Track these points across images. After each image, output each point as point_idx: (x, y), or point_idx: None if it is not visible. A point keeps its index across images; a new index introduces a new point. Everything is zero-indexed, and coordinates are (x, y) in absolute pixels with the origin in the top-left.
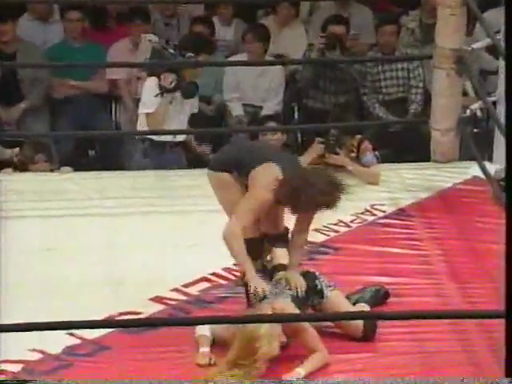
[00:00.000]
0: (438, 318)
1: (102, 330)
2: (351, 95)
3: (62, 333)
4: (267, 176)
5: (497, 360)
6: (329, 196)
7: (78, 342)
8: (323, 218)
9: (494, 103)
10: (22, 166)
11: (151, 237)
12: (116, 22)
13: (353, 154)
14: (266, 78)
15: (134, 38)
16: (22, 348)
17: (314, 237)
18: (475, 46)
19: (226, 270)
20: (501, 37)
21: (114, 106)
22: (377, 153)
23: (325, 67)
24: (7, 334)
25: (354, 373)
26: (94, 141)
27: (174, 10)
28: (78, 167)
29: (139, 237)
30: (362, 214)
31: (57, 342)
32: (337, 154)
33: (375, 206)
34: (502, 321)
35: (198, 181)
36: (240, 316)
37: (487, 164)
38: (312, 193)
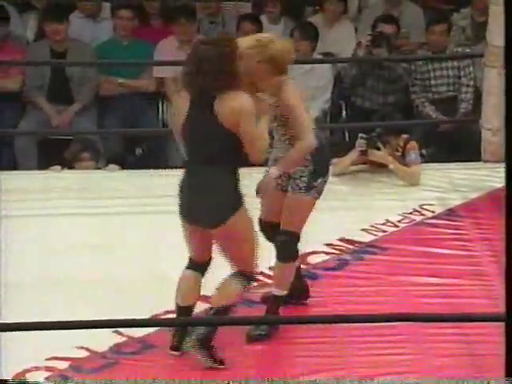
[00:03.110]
0: (440, 321)
1: (147, 328)
2: (400, 94)
3: (108, 331)
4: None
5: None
6: None
7: (124, 340)
8: (371, 218)
9: None
10: (69, 164)
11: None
12: (161, 20)
13: (398, 153)
14: (314, 77)
15: (180, 35)
16: (70, 345)
17: (362, 236)
18: None
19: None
20: None
21: (161, 104)
22: (423, 151)
23: (372, 66)
24: (55, 331)
25: (399, 375)
26: (140, 139)
27: (218, 8)
28: (125, 165)
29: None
30: (411, 214)
31: (104, 340)
32: (379, 150)
33: (424, 206)
34: None
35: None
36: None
37: None
38: None
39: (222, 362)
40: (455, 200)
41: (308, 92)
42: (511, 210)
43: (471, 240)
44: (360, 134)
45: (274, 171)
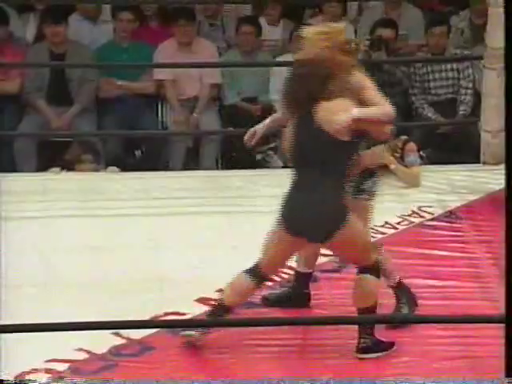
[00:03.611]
0: (439, 323)
1: (147, 330)
2: (399, 97)
3: (107, 333)
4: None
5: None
6: None
7: (123, 342)
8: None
9: None
10: (69, 166)
11: (195, 237)
12: (161, 22)
13: (397, 155)
14: None
15: (180, 37)
16: (69, 347)
17: None
18: None
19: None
20: None
21: (160, 106)
22: (422, 153)
23: (372, 69)
24: (54, 333)
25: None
26: (140, 141)
27: (218, 11)
28: (124, 167)
29: (183, 237)
30: (409, 216)
31: (103, 341)
32: None
33: (423, 208)
34: None
35: (244, 181)
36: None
37: None
38: None
39: None
40: (454, 202)
41: None
42: (511, 211)
43: (470, 242)
44: None
45: (355, 111)
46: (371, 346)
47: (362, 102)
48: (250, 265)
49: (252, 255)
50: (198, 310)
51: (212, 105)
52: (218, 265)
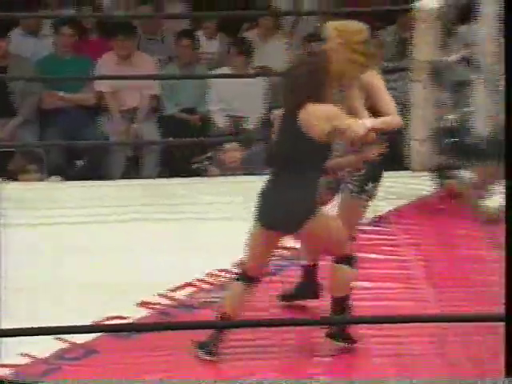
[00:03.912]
0: (437, 322)
1: (90, 334)
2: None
3: (50, 337)
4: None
5: (472, 364)
6: None
7: (66, 346)
8: None
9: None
10: (12, 176)
11: (137, 243)
12: (100, 36)
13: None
14: (249, 90)
15: (119, 51)
16: (12, 352)
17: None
18: (450, 58)
19: (211, 275)
20: (471, 50)
21: (101, 117)
22: None
23: None
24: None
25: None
26: (82, 151)
27: (158, 25)
28: (67, 177)
29: (125, 243)
30: None
31: (46, 346)
32: None
33: None
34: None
35: (183, 189)
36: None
37: (463, 172)
38: None
39: None
40: (385, 207)
41: (245, 103)
42: (511, 211)
43: (400, 245)
44: None
45: (367, 122)
46: (340, 334)
47: (372, 105)
48: (190, 269)
49: (192, 260)
50: (140, 314)
51: (151, 115)
52: (159, 269)
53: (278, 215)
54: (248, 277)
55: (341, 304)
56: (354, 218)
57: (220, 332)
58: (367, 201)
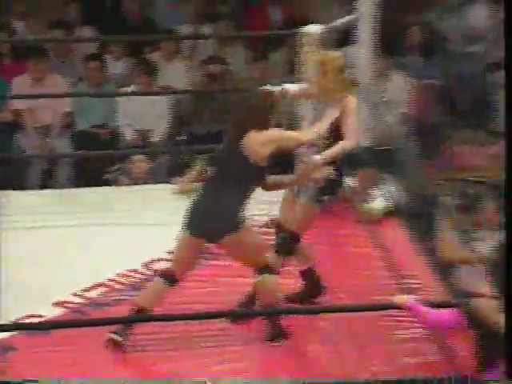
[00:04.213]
0: (324, 312)
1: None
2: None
3: None
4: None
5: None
6: None
7: None
8: None
9: None
10: None
11: (51, 248)
12: (14, 59)
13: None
14: (154, 107)
15: (32, 73)
16: None
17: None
18: None
19: (121, 275)
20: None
21: (17, 132)
22: None
23: (205, 98)
24: None
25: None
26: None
27: (68, 48)
28: None
29: (40, 248)
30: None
31: None
32: None
33: (251, 217)
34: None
35: (95, 198)
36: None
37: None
38: None
39: None
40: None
41: (150, 120)
42: (511, 211)
43: None
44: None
45: (318, 157)
46: (279, 334)
47: (338, 125)
48: (101, 271)
49: (104, 261)
50: (57, 312)
51: (65, 131)
52: (73, 271)
53: (205, 225)
54: (171, 277)
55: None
56: (306, 221)
57: (129, 325)
58: (319, 208)
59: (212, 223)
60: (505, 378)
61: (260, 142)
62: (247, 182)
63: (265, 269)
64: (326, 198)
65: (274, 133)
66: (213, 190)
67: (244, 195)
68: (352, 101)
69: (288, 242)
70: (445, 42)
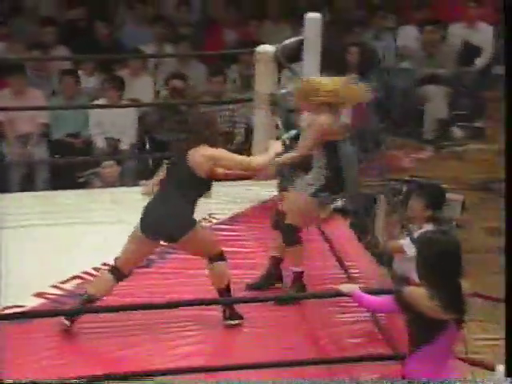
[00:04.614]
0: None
1: None
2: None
3: None
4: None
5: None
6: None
7: None
8: None
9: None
10: None
11: (32, 244)
12: None
13: None
14: (123, 117)
15: (12, 88)
16: None
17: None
18: (283, 90)
19: (95, 269)
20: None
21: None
22: None
23: (169, 110)
24: None
25: None
26: None
27: (45, 66)
28: None
29: (24, 244)
30: (201, 221)
31: None
32: None
33: (212, 215)
34: None
35: (71, 199)
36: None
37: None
38: None
39: None
40: (235, 209)
41: (118, 129)
42: (511, 212)
43: (247, 239)
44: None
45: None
46: (233, 315)
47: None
48: (78, 264)
49: (79, 256)
50: (36, 302)
51: (42, 140)
52: (52, 265)
53: (161, 229)
54: (119, 272)
55: (224, 293)
56: (308, 213)
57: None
58: (319, 205)
59: (167, 227)
60: (505, 378)
61: (202, 158)
62: (193, 190)
63: (218, 257)
64: (324, 194)
65: (218, 152)
66: (165, 197)
67: (192, 202)
68: (324, 118)
69: (292, 232)
70: (379, 59)
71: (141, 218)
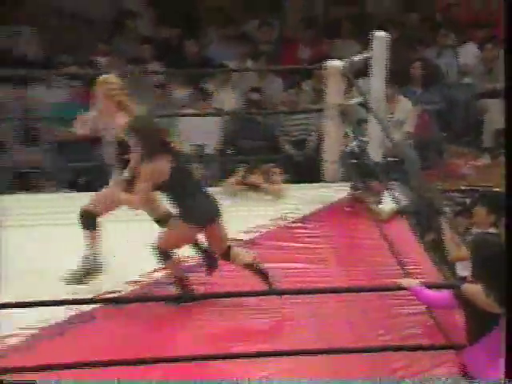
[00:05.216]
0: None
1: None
2: (268, 138)
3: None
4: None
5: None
6: None
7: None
8: (246, 223)
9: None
10: None
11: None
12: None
13: (267, 176)
14: (210, 125)
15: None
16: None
17: (240, 236)
18: (352, 102)
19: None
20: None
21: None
22: (284, 175)
23: (249, 120)
24: None
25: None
26: None
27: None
28: None
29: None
30: (277, 220)
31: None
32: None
33: (286, 214)
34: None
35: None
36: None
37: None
38: None
39: None
40: (307, 209)
41: (204, 136)
42: (511, 212)
43: (318, 237)
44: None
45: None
46: (188, 296)
47: None
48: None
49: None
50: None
51: None
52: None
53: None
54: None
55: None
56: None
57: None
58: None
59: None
60: (505, 378)
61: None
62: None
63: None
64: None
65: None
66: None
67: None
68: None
69: None
70: (442, 74)
71: (198, 211)
